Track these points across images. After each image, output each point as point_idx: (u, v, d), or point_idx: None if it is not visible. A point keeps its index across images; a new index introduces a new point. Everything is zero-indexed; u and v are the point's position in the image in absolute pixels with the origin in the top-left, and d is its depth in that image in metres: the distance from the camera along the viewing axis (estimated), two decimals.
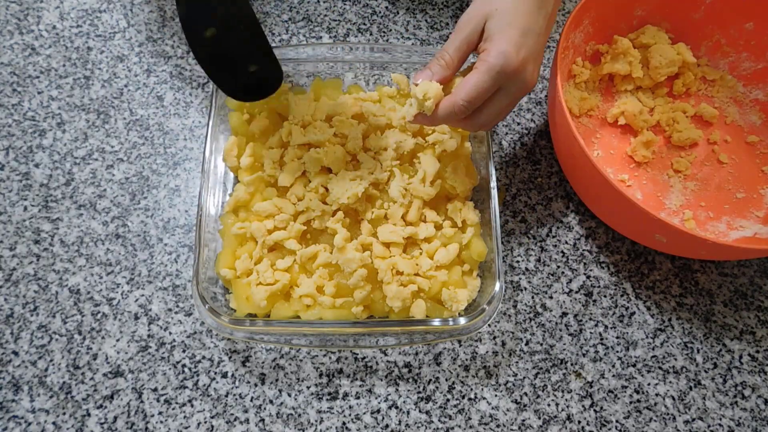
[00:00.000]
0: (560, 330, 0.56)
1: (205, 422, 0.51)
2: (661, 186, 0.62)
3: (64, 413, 0.51)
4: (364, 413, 0.52)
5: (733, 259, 0.60)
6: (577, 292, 0.58)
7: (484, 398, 0.53)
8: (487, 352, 0.55)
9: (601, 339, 0.56)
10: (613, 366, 0.55)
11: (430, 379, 0.53)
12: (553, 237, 0.60)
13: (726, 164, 0.64)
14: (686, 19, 0.65)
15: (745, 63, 0.65)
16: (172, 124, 0.63)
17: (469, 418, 0.52)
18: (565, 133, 0.53)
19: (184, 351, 0.54)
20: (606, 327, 0.56)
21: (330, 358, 0.54)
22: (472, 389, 0.53)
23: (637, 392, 0.54)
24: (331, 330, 0.50)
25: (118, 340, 0.54)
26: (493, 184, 0.54)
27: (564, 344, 0.55)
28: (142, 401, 0.51)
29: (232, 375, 0.53)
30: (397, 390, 0.53)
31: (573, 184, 0.60)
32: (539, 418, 0.52)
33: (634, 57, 0.63)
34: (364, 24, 0.70)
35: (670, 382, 0.54)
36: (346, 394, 0.52)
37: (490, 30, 0.45)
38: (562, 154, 0.59)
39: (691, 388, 0.54)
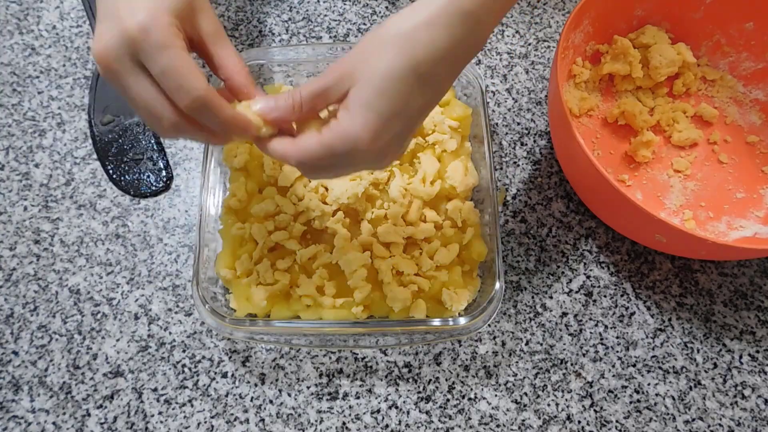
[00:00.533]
0: (560, 330, 0.56)
1: (205, 422, 0.51)
2: (661, 186, 0.62)
3: (64, 413, 0.51)
4: (364, 413, 0.52)
5: (733, 259, 0.60)
6: (577, 292, 0.58)
7: (484, 398, 0.53)
8: (487, 352, 0.55)
9: (601, 339, 0.56)
10: (613, 366, 0.55)
11: (430, 379, 0.53)
12: (553, 237, 0.60)
13: (726, 164, 0.64)
14: (686, 19, 0.65)
15: (745, 63, 0.65)
16: None
17: (469, 418, 0.52)
18: (565, 133, 0.53)
19: (184, 351, 0.54)
20: (606, 327, 0.56)
21: (330, 358, 0.54)
22: (472, 389, 0.53)
23: (637, 392, 0.54)
24: (331, 330, 0.50)
25: (118, 340, 0.54)
26: (493, 184, 0.54)
27: (564, 344, 0.55)
28: (142, 401, 0.51)
29: (232, 375, 0.53)
30: (397, 390, 0.53)
31: (573, 184, 0.60)
32: (539, 418, 0.52)
33: (634, 57, 0.63)
34: (364, 24, 0.70)
35: (670, 382, 0.54)
36: (346, 394, 0.52)
37: (351, 102, 0.36)
38: (562, 154, 0.59)
39: (691, 388, 0.54)
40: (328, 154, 0.36)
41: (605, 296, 0.58)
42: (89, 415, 0.51)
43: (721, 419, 0.53)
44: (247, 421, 0.51)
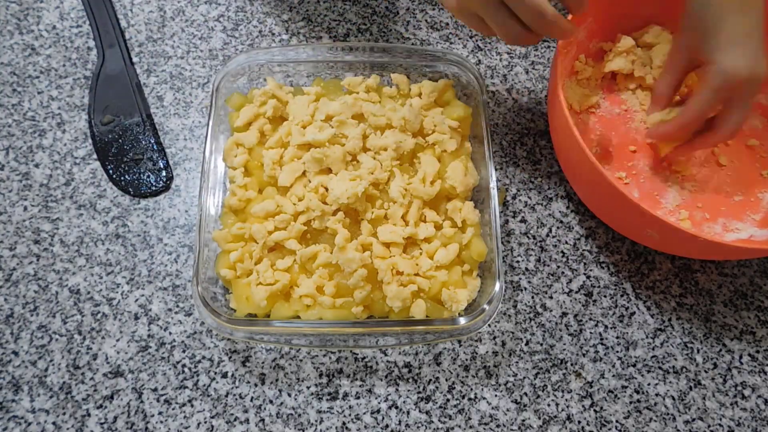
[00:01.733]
0: (560, 330, 0.56)
1: (205, 422, 0.51)
2: (658, 185, 0.62)
3: (64, 413, 0.51)
4: (364, 413, 0.52)
5: (723, 259, 0.59)
6: (577, 292, 0.58)
7: (484, 398, 0.53)
8: (487, 352, 0.55)
9: (601, 339, 0.56)
10: (613, 366, 0.55)
11: (430, 379, 0.53)
12: (553, 237, 0.60)
13: (725, 166, 0.63)
14: None
15: None
16: (172, 124, 0.63)
17: (469, 418, 0.52)
18: (564, 128, 0.53)
19: (184, 351, 0.54)
20: (606, 327, 0.56)
21: (330, 358, 0.54)
22: (472, 389, 0.53)
23: (637, 392, 0.54)
24: (331, 330, 0.50)
25: (118, 340, 0.54)
26: (493, 184, 0.54)
27: (564, 344, 0.55)
28: (142, 401, 0.51)
29: (232, 375, 0.53)
30: (397, 390, 0.53)
31: (572, 183, 0.60)
32: (539, 418, 0.52)
33: (637, 56, 0.63)
34: (364, 24, 0.70)
35: (670, 382, 0.54)
36: (346, 394, 0.52)
37: (705, 51, 0.49)
38: (561, 152, 0.59)
39: (691, 388, 0.54)
40: (711, 93, 0.49)
41: (605, 296, 0.58)
42: (89, 415, 0.51)
43: (721, 419, 0.53)
44: (247, 421, 0.51)
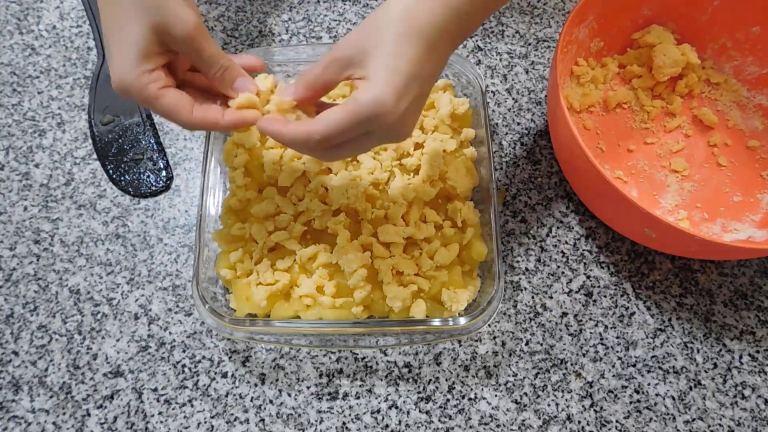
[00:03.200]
0: (560, 330, 0.56)
1: (205, 422, 0.51)
2: (658, 185, 0.62)
3: (64, 413, 0.51)
4: (364, 413, 0.52)
5: (721, 258, 0.59)
6: (577, 292, 0.58)
7: (484, 398, 0.53)
8: (487, 352, 0.55)
9: (601, 339, 0.56)
10: (613, 366, 0.55)
11: (430, 379, 0.53)
12: (553, 237, 0.60)
13: (725, 167, 0.63)
14: (693, 20, 0.65)
15: (750, 67, 0.65)
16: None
17: (469, 418, 0.52)
18: (564, 128, 0.53)
19: (184, 351, 0.54)
20: (606, 327, 0.56)
21: (330, 358, 0.54)
22: (472, 389, 0.53)
23: (637, 392, 0.54)
24: (331, 330, 0.50)
25: (118, 340, 0.54)
26: (493, 184, 0.54)
27: (564, 344, 0.55)
28: (142, 401, 0.51)
29: (232, 375, 0.53)
30: (397, 390, 0.53)
31: (572, 183, 0.60)
32: (539, 418, 0.52)
33: (637, 56, 0.63)
34: None
35: (670, 382, 0.54)
36: (346, 394, 0.52)
37: (370, 69, 0.37)
38: (561, 152, 0.59)
39: (691, 388, 0.54)
40: (354, 121, 0.37)
41: (605, 296, 0.58)
42: (89, 415, 0.51)
43: (721, 419, 0.53)
44: (247, 421, 0.51)
